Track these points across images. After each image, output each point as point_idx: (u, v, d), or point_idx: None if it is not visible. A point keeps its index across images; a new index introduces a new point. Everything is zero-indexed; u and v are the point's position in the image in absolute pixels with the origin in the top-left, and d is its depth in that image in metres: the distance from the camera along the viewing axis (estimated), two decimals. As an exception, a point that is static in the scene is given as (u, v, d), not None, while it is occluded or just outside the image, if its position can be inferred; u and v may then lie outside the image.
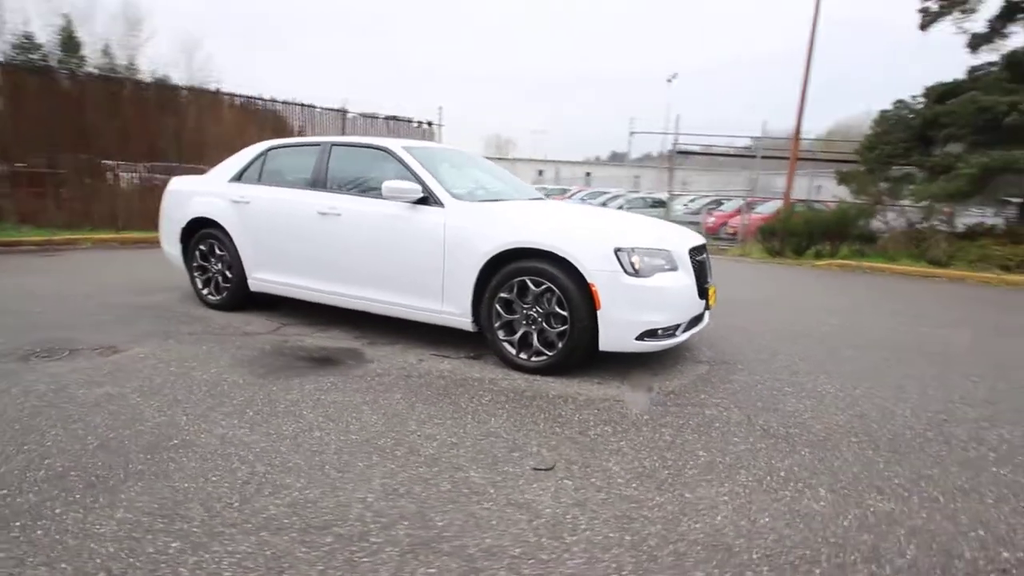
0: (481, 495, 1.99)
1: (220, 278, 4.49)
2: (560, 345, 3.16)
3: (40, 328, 3.82)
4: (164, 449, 2.23)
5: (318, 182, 4.02)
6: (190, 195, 4.63)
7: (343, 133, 12.59)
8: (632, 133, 14.31)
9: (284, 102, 11.77)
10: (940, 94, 11.29)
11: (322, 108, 12.30)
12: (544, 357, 3.22)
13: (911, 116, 11.60)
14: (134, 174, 9.87)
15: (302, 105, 12.02)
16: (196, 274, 4.63)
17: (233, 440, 2.33)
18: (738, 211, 16.40)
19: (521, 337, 3.28)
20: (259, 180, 4.35)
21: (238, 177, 4.44)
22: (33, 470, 2.03)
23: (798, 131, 12.99)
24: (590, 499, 1.99)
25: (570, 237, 3.12)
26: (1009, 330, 5.19)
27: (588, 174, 46.10)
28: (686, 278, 3.22)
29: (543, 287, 3.16)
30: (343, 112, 12.57)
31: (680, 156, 16.13)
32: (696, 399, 3.00)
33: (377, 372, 3.25)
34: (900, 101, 12.44)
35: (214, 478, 2.03)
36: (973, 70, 10.97)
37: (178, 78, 24.65)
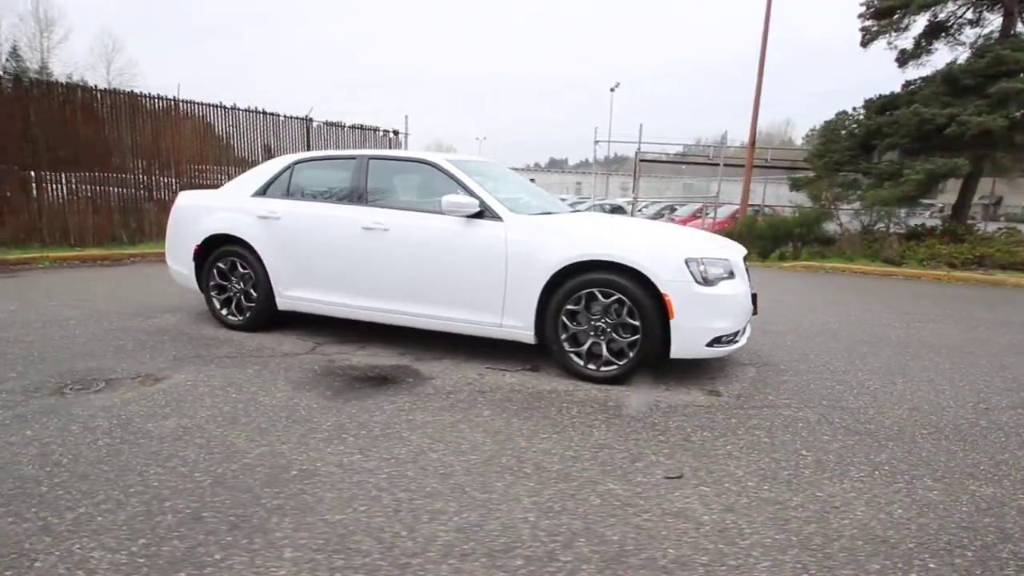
0: (634, 507, 2.02)
1: (242, 297, 4.28)
2: (631, 355, 3.23)
3: (51, 359, 3.52)
4: (287, 481, 2.13)
5: (358, 196, 3.92)
6: (206, 210, 4.40)
7: (308, 142, 12.24)
8: (597, 141, 14.80)
9: (246, 110, 11.30)
10: (879, 106, 12.27)
11: (285, 116, 11.90)
12: (614, 367, 3.28)
13: (855, 126, 12.54)
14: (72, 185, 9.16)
15: (265, 113, 11.58)
16: (213, 294, 4.39)
17: (353, 467, 2.25)
18: (693, 216, 17.16)
19: (589, 348, 3.32)
20: (287, 195, 4.19)
21: (262, 192, 4.25)
22: (159, 514, 1.89)
23: (752, 140, 13.74)
24: (736, 504, 2.06)
25: (642, 250, 3.20)
26: (986, 322, 5.71)
27: (532, 180, 46.72)
28: (742, 285, 3.38)
29: (613, 298, 3.22)
30: (308, 121, 12.21)
31: (638, 163, 16.66)
32: (765, 400, 3.14)
33: (447, 389, 3.20)
34: (843, 112, 13.41)
35: (361, 507, 1.96)
36: (907, 84, 12.00)
37: (96, 80, 23.08)
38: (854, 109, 13.13)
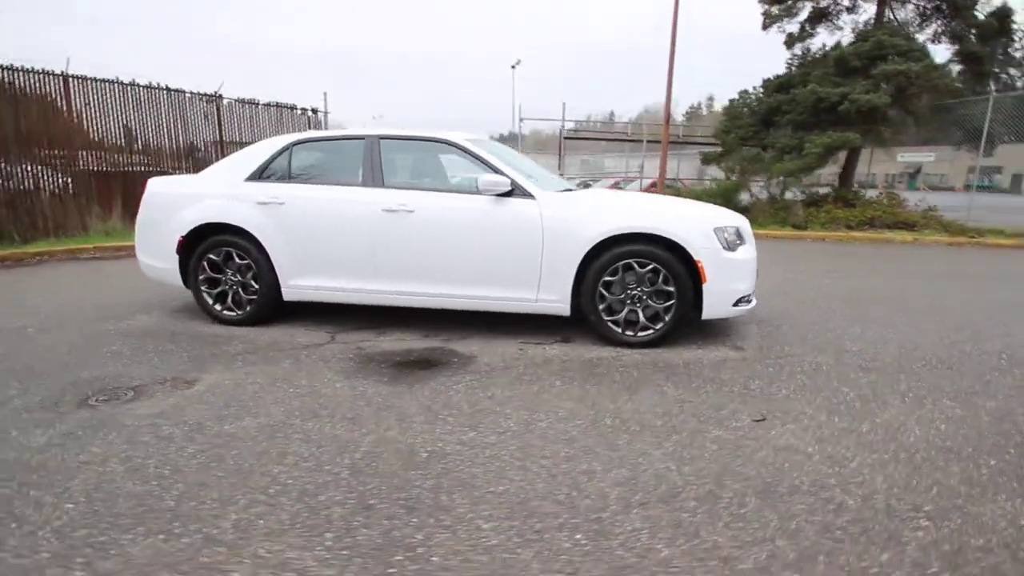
0: (747, 447, 2.27)
1: (240, 290, 4.01)
2: (667, 319, 3.49)
3: (45, 371, 3.14)
4: (424, 464, 2.14)
5: (372, 178, 3.80)
6: (190, 198, 4.03)
7: (219, 122, 11.30)
8: (522, 119, 14.95)
9: (147, 87, 10.16)
10: (776, 85, 13.51)
11: (192, 93, 10.86)
12: (650, 331, 3.52)
13: (756, 104, 13.72)
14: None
15: (169, 90, 10.49)
16: (204, 288, 4.06)
17: (476, 444, 2.30)
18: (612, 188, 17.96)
19: (627, 315, 3.53)
20: (289, 179, 3.95)
21: (258, 176, 3.97)
22: (323, 508, 1.85)
23: (667, 117, 14.59)
24: (824, 436, 2.38)
25: (676, 220, 3.44)
26: (902, 275, 6.66)
27: None
28: (753, 249, 3.74)
29: (648, 267, 3.45)
30: (217, 98, 11.23)
31: (563, 141, 17.08)
32: (782, 351, 3.54)
33: (499, 365, 3.28)
34: (744, 91, 14.61)
35: (517, 477, 2.04)
36: (800, 65, 13.31)
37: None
38: (754, 88, 14.36)
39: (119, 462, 2.15)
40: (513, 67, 42.74)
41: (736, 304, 3.52)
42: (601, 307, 3.54)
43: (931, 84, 10.53)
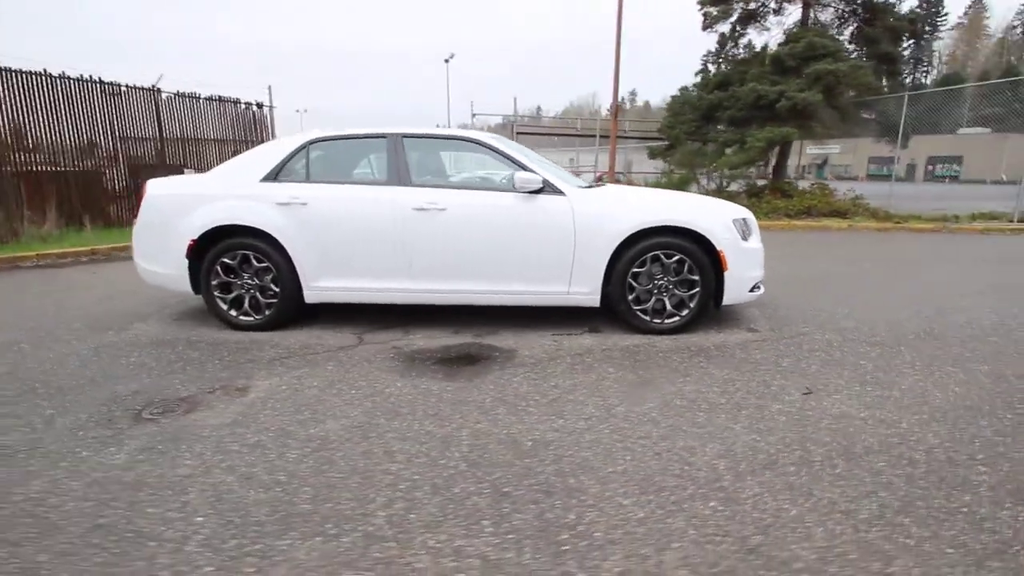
0: (809, 417, 2.53)
1: (258, 294, 3.89)
2: (692, 305, 3.73)
3: (75, 387, 2.96)
4: (533, 451, 2.24)
5: (399, 177, 3.78)
6: (200, 200, 3.85)
7: (157, 117, 10.60)
8: (474, 115, 14.90)
9: (79, 80, 9.37)
10: (715, 83, 14.30)
11: (128, 87, 10.12)
12: (677, 318, 3.75)
13: (697, 100, 14.45)
14: None
15: (102, 83, 9.73)
16: (217, 293, 3.90)
17: (569, 430, 2.42)
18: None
19: (654, 303, 3.74)
20: (308, 178, 3.86)
21: (274, 176, 3.86)
22: (461, 499, 1.92)
23: (616, 112, 15.08)
24: (867, 402, 2.68)
25: (700, 214, 3.68)
26: (852, 259, 7.32)
27: None
28: (759, 240, 4.05)
29: (675, 258, 3.67)
30: (156, 92, 10.52)
31: (515, 136, 17.26)
32: (792, 331, 3.88)
33: (544, 356, 3.39)
34: (685, 88, 15.36)
35: (628, 458, 2.18)
36: (738, 64, 14.14)
37: None
38: (693, 86, 15.13)
39: (225, 472, 2.10)
40: (446, 61, 42.45)
41: (751, 290, 3.81)
42: (631, 297, 3.73)
43: (856, 82, 11.53)
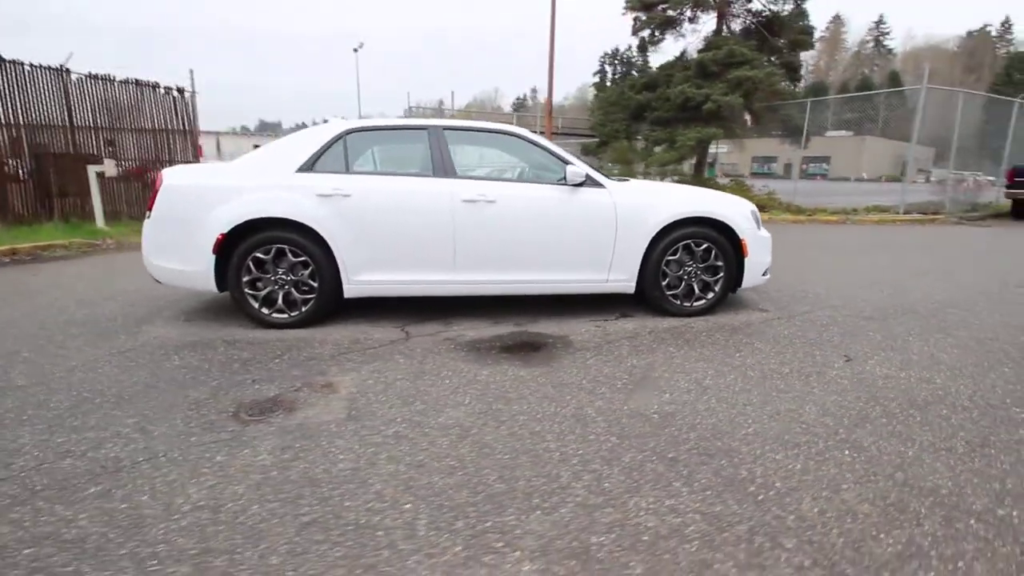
0: (864, 379, 2.94)
1: (294, 290, 3.74)
2: (717, 289, 4.10)
3: (135, 397, 2.74)
4: (661, 425, 2.44)
5: (444, 169, 3.79)
6: (228, 191, 3.62)
7: (66, 100, 9.46)
8: (409, 107, 14.52)
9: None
10: (642, 85, 15.17)
11: (32, 66, 8.94)
12: (703, 301, 4.10)
13: (626, 100, 15.25)
14: None
15: (3, 60, 8.52)
16: (248, 291, 3.70)
17: (679, 403, 2.64)
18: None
19: (684, 288, 4.07)
20: (347, 169, 3.75)
21: (310, 167, 3.71)
22: (633, 470, 2.08)
23: (549, 110, 15.50)
24: (902, 364, 3.15)
25: (726, 205, 4.04)
26: (805, 247, 8.18)
27: (257, 146, 42.67)
28: (765, 230, 4.50)
29: (703, 246, 4.01)
30: (64, 72, 9.38)
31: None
32: (798, 310, 4.36)
33: (600, 341, 3.59)
34: (610, 87, 16.10)
35: (748, 424, 2.44)
36: (662, 68, 15.08)
37: None
38: (617, 84, 15.91)
39: (390, 462, 2.10)
40: (356, 50, 41.02)
41: (764, 274, 4.25)
42: (664, 283, 4.02)
43: (771, 88, 12.77)
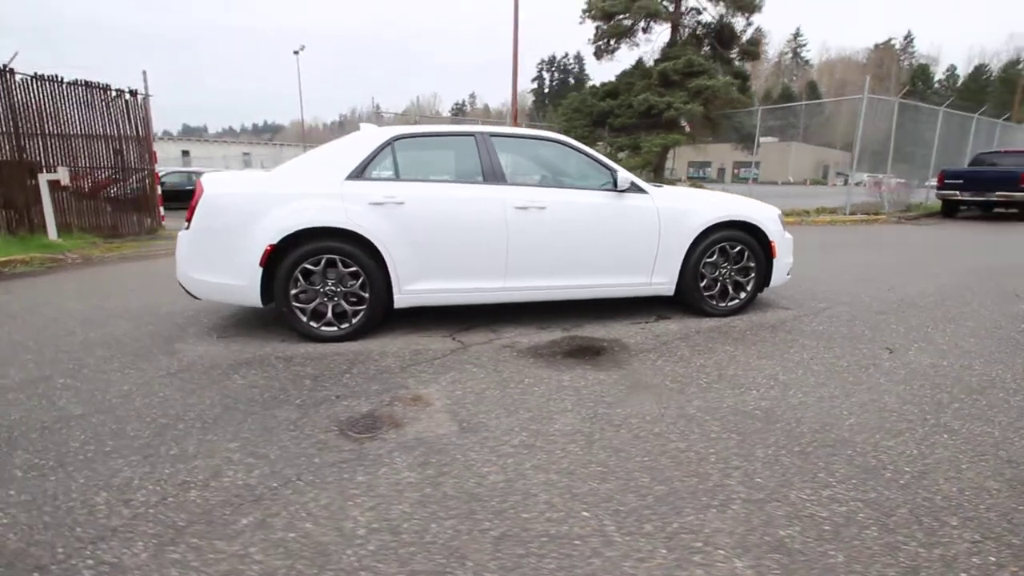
0: (916, 368, 3.17)
1: (343, 302, 3.62)
2: (749, 289, 4.29)
3: (217, 417, 2.60)
4: (804, 420, 2.55)
5: (495, 176, 3.78)
6: (276, 200, 3.46)
7: (9, 102, 8.68)
8: (378, 111, 14.13)
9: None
10: (604, 92, 15.58)
11: (-33, 64, 8.15)
12: (737, 301, 4.29)
13: (589, 107, 15.62)
14: None
15: (-68, 58, 7.73)
16: (296, 304, 3.55)
17: (775, 397, 2.77)
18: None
19: (720, 289, 4.24)
20: (398, 177, 3.68)
21: (359, 174, 3.61)
22: (823, 451, 2.17)
23: (515, 116, 15.61)
24: (937, 352, 3.42)
25: (757, 210, 4.24)
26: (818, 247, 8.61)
27: (185, 153, 40.60)
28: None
29: (737, 248, 4.20)
30: (6, 72, 8.60)
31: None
32: (817, 307, 4.63)
33: (654, 343, 3.69)
34: (574, 93, 16.46)
35: (847, 414, 2.60)
36: (623, 75, 15.54)
37: None
38: (582, 93, 16.29)
39: (538, 471, 2.09)
40: (296, 53, 39.78)
41: (787, 274, 4.49)
42: (702, 284, 4.18)
43: (728, 97, 13.44)
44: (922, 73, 61.44)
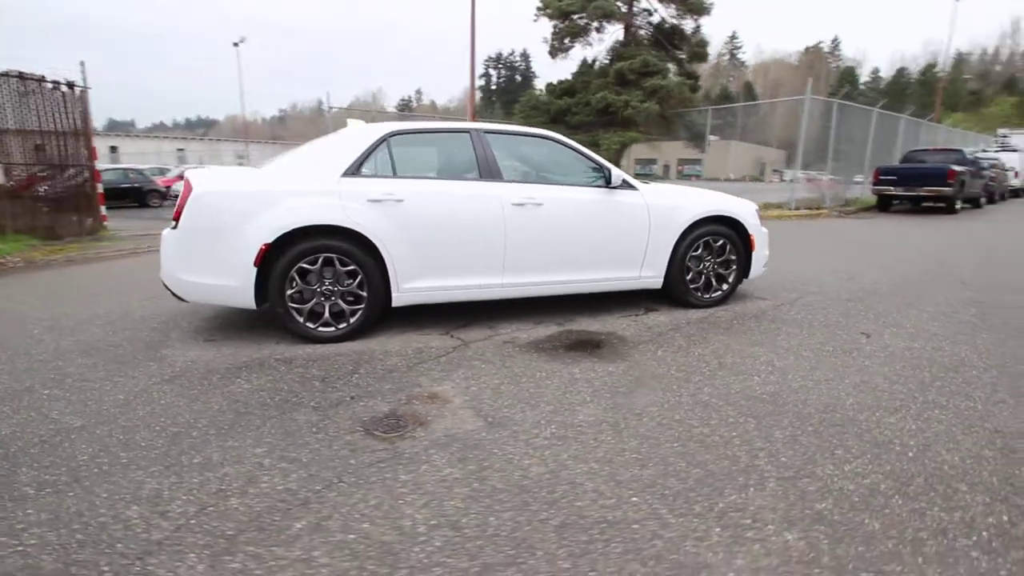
0: (895, 351, 3.42)
1: (341, 301, 3.55)
2: (731, 281, 4.49)
3: (232, 426, 2.52)
4: (796, 405, 2.70)
5: (490, 173, 3.80)
6: (269, 198, 3.35)
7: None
8: (331, 108, 13.73)
9: None
10: (560, 91, 15.77)
11: None
12: (720, 292, 4.48)
13: (546, 104, 15.77)
14: None
15: None
16: (293, 304, 3.46)
17: (781, 382, 2.93)
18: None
19: (704, 281, 4.41)
20: (395, 174, 3.63)
21: (355, 171, 3.54)
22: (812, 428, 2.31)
23: (472, 114, 15.56)
24: (908, 335, 3.69)
25: (738, 205, 4.43)
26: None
27: (113, 149, 38.36)
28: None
29: (720, 242, 4.38)
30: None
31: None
32: (789, 297, 4.89)
33: (649, 336, 3.80)
34: (530, 91, 16.60)
35: (867, 391, 2.78)
36: (579, 74, 15.77)
37: None
38: (540, 91, 16.42)
39: (577, 461, 2.14)
40: (236, 45, 38.14)
41: (764, 266, 4.72)
42: (689, 277, 4.34)
43: (681, 96, 13.88)
44: (849, 75, 65.31)
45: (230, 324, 3.99)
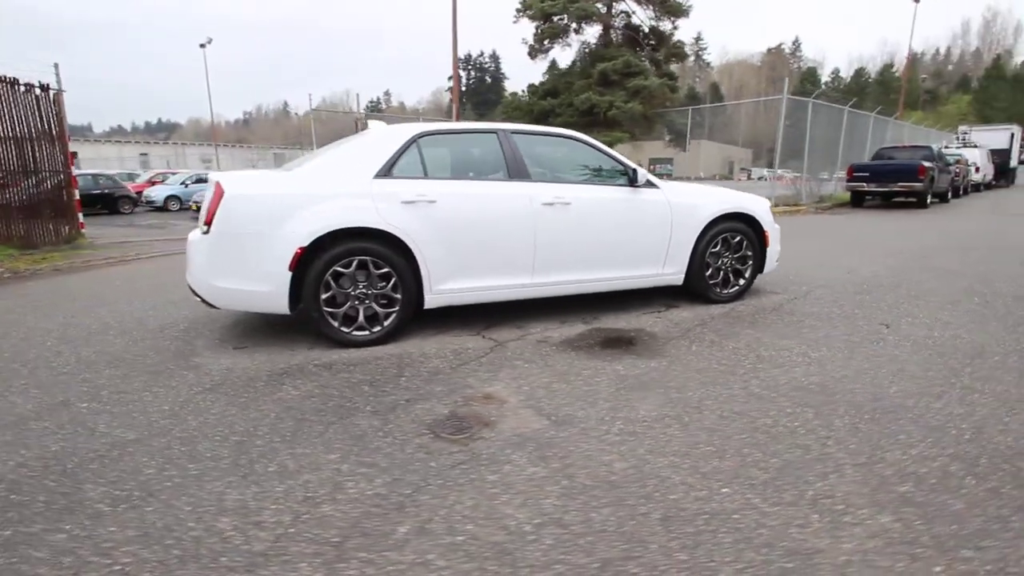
0: (920, 340, 3.55)
1: (375, 304, 3.51)
2: (747, 276, 4.59)
3: (299, 435, 2.48)
4: (855, 391, 2.79)
5: (519, 173, 3.80)
6: (303, 200, 3.29)
7: None
8: (314, 109, 13.47)
9: None
10: (543, 92, 15.85)
11: None
12: (737, 288, 4.58)
13: (528, 106, 15.82)
14: None
15: None
16: (327, 308, 3.41)
17: (823, 373, 3.01)
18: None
19: (723, 277, 4.50)
20: (426, 175, 3.60)
21: (386, 173, 3.50)
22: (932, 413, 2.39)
23: (457, 115, 15.52)
24: (925, 324, 3.84)
25: (753, 202, 4.54)
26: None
27: (74, 154, 37.10)
28: (772, 222, 5.09)
29: (737, 238, 4.48)
30: None
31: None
32: (801, 291, 5.03)
33: (679, 331, 3.87)
34: (514, 93, 16.63)
35: (909, 380, 2.88)
36: (562, 75, 15.87)
37: None
38: (522, 92, 16.48)
39: (655, 455, 2.17)
40: (203, 46, 37.16)
41: (776, 261, 4.85)
42: (707, 273, 4.42)
43: (663, 97, 14.10)
44: (811, 75, 67.24)
45: (253, 331, 3.91)
